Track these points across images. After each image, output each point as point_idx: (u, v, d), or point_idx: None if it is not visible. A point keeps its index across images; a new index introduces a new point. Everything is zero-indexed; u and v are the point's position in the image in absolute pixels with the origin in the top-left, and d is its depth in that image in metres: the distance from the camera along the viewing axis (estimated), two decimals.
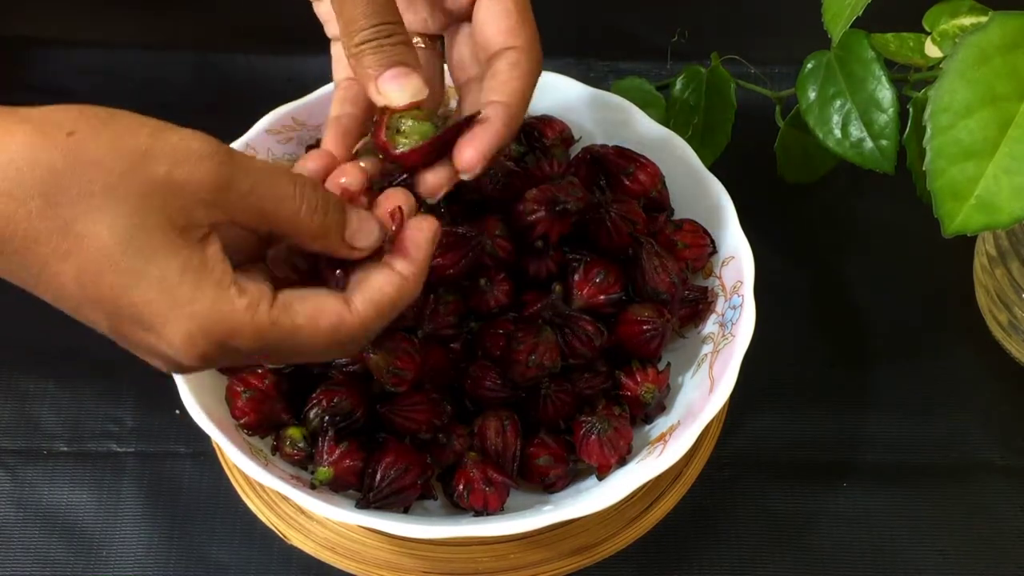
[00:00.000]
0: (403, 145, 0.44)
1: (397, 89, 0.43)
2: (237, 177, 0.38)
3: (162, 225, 0.36)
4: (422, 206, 0.45)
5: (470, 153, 0.44)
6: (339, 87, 0.50)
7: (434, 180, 0.45)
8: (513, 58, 0.45)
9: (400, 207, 0.43)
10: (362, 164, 0.45)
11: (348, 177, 0.44)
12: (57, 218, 0.35)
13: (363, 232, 0.41)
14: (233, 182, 0.37)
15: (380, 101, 0.44)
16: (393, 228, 0.42)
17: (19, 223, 0.35)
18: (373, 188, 0.45)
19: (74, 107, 0.37)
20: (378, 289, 0.41)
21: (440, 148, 0.44)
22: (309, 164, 0.45)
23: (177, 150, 0.37)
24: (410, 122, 0.44)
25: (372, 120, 0.47)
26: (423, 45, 0.50)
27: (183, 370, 0.39)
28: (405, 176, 0.46)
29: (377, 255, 0.42)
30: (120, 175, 0.36)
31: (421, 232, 0.43)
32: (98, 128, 0.36)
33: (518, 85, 0.45)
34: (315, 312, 0.39)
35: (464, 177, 0.44)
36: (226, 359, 0.39)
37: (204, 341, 0.37)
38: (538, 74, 0.46)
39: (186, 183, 0.36)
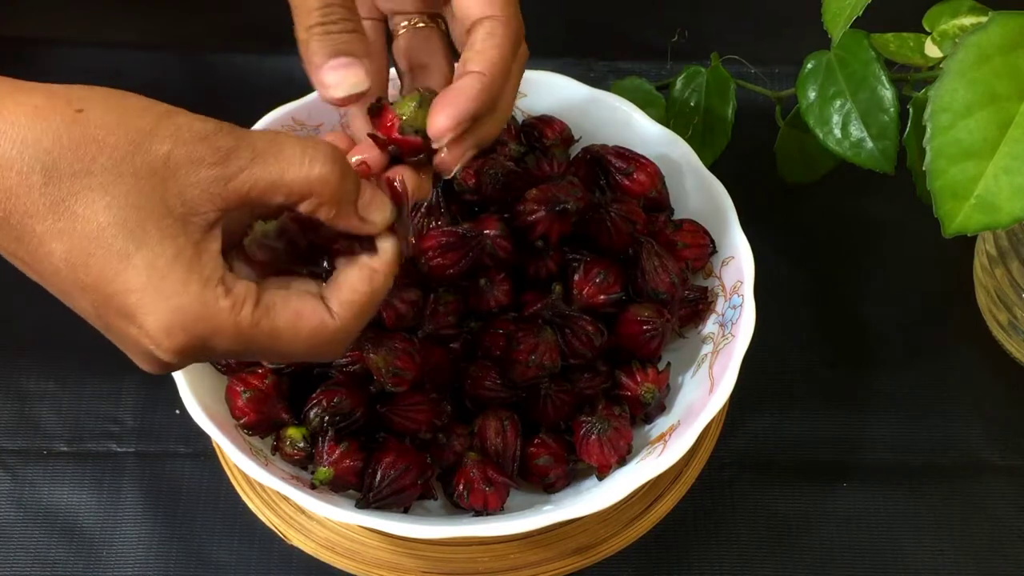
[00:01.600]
0: (404, 131, 0.43)
1: (337, 81, 0.42)
2: (240, 147, 0.37)
3: (159, 210, 0.36)
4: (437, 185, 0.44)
5: (441, 119, 0.42)
6: None
7: (448, 155, 0.44)
8: (489, 27, 0.44)
9: (397, 178, 0.42)
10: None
11: (367, 154, 0.43)
12: (54, 194, 0.35)
13: (376, 205, 0.41)
14: (236, 151, 0.37)
15: (321, 93, 0.43)
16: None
17: (20, 197, 0.35)
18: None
19: (87, 86, 0.37)
20: (351, 289, 0.40)
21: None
22: (328, 139, 0.44)
23: (181, 129, 0.37)
24: (412, 105, 0.43)
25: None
26: (422, 24, 0.48)
27: (162, 367, 0.39)
28: (421, 156, 0.45)
29: (348, 250, 0.41)
30: (123, 154, 0.36)
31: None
32: (108, 107, 0.36)
33: (494, 54, 0.43)
34: (296, 316, 0.39)
35: (435, 146, 0.43)
36: (204, 356, 0.39)
37: (183, 335, 0.37)
38: (518, 44, 0.45)
39: (187, 162, 0.36)
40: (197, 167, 0.37)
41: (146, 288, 0.36)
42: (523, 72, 0.46)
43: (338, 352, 0.42)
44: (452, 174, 0.45)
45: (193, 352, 0.38)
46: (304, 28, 0.43)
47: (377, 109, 0.44)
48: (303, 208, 0.39)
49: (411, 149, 0.43)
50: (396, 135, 0.43)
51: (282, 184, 0.38)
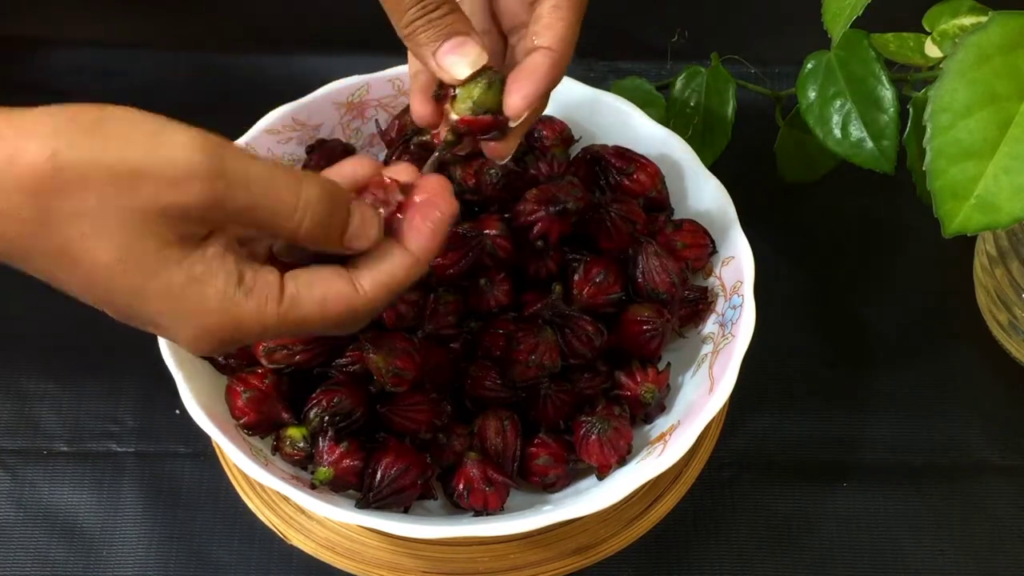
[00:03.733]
0: (465, 111, 0.44)
1: (457, 61, 0.43)
2: (231, 195, 0.36)
3: (156, 244, 0.36)
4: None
5: (516, 99, 0.44)
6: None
7: (500, 144, 0.46)
8: (555, 1, 0.45)
9: (398, 181, 0.42)
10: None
11: (402, 177, 0.43)
12: (53, 239, 0.35)
13: (362, 235, 0.40)
14: (226, 200, 0.36)
15: (444, 77, 0.44)
16: (399, 202, 0.42)
17: (21, 240, 0.35)
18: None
19: (54, 116, 0.35)
20: (389, 272, 0.40)
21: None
22: (350, 165, 0.44)
23: (166, 170, 0.35)
24: (482, 85, 0.44)
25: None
26: None
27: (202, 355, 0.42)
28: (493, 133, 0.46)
29: (389, 232, 0.41)
30: (108, 198, 0.35)
31: (438, 212, 0.42)
32: (81, 144, 0.35)
33: (561, 28, 0.44)
34: (323, 299, 0.39)
35: (512, 124, 0.45)
36: (235, 348, 0.41)
37: (211, 339, 0.38)
38: (582, 15, 0.46)
39: (175, 205, 0.35)
40: (187, 211, 0.36)
41: (166, 309, 0.37)
42: None
43: (363, 325, 0.42)
44: (505, 160, 0.47)
45: (224, 348, 0.39)
46: (405, 24, 0.43)
47: (441, 95, 0.45)
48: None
49: (483, 128, 0.45)
50: (469, 117, 0.44)
51: (271, 229, 0.39)
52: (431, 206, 0.42)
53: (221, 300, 0.37)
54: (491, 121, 0.44)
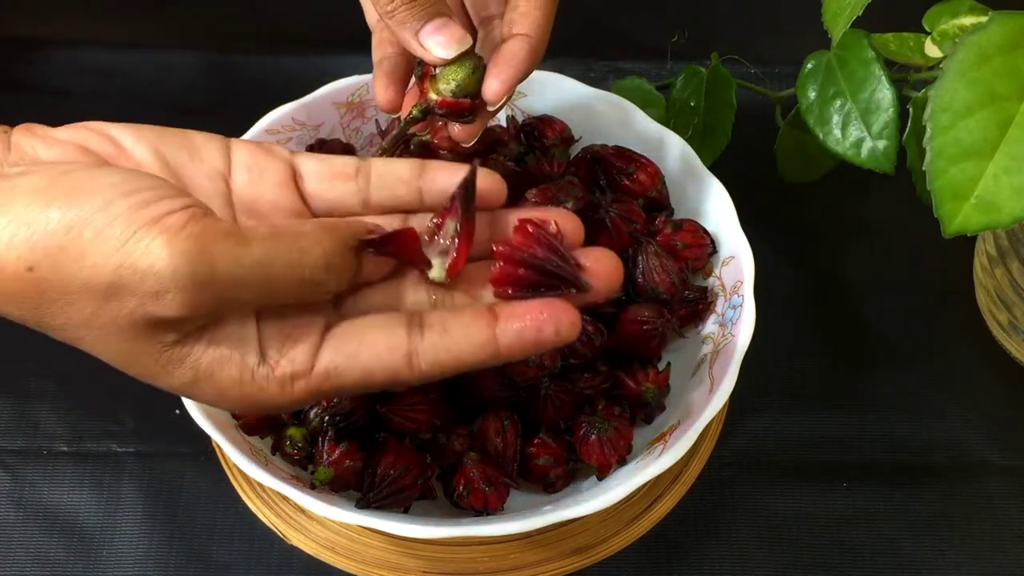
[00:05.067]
0: (447, 93, 0.45)
1: (441, 43, 0.43)
2: (226, 295, 0.34)
3: (157, 348, 0.34)
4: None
5: (496, 84, 0.44)
6: (375, 32, 0.50)
7: (468, 127, 0.46)
8: None
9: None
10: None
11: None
12: (59, 334, 0.35)
13: (378, 272, 0.38)
14: (221, 302, 0.34)
15: (428, 57, 0.44)
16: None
17: (35, 320, 0.35)
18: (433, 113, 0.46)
19: (20, 213, 0.33)
20: (456, 355, 0.36)
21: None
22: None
23: (144, 284, 0.32)
24: (465, 70, 0.45)
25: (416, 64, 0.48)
26: None
27: None
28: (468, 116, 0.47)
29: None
30: (96, 310, 0.33)
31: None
32: (55, 254, 0.33)
33: (539, 16, 0.45)
34: (367, 372, 0.36)
35: (490, 109, 0.46)
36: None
37: (243, 410, 0.38)
38: (557, 4, 0.46)
39: (163, 318, 0.33)
40: (181, 322, 0.34)
41: (189, 395, 0.36)
42: None
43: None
44: (470, 144, 0.47)
45: (261, 412, 0.39)
46: (384, 7, 0.43)
47: (421, 74, 0.46)
48: None
49: (461, 111, 0.46)
50: (449, 99, 0.45)
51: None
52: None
53: (239, 387, 0.35)
54: (469, 104, 0.45)
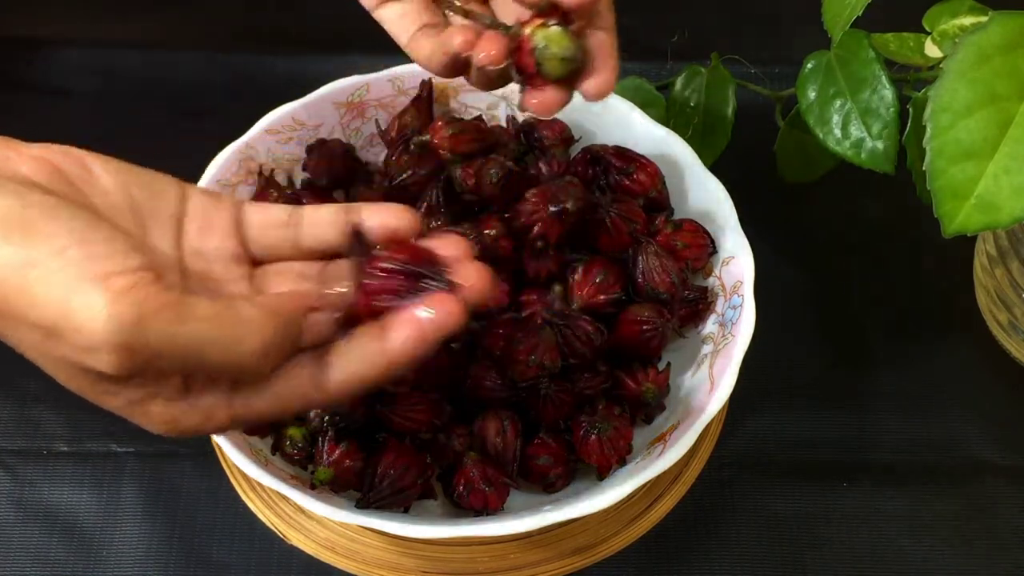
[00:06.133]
0: (552, 68, 0.43)
1: None
2: (154, 362, 0.35)
3: (91, 381, 0.36)
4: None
5: (595, 84, 0.44)
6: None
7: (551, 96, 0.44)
8: None
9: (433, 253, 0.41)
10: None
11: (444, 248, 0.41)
12: (14, 347, 0.37)
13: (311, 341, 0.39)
14: (148, 366, 0.35)
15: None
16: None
17: None
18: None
19: None
20: (359, 374, 0.39)
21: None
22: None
23: (77, 337, 0.34)
24: (554, 41, 0.43)
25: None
26: None
27: None
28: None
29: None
30: (38, 343, 0.35)
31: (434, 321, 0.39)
32: (6, 289, 0.34)
33: (607, 9, 0.45)
34: (277, 398, 0.38)
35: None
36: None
37: (174, 435, 0.38)
38: None
39: (93, 368, 0.35)
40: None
41: (127, 417, 0.38)
42: None
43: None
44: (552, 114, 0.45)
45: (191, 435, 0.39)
46: None
47: (517, 41, 0.43)
48: None
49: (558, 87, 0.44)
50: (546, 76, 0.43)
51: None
52: (434, 312, 0.38)
53: (166, 419, 0.37)
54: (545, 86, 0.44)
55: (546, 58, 0.43)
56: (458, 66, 0.47)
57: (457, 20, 0.47)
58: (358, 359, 0.38)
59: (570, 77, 0.44)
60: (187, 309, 0.35)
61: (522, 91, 0.45)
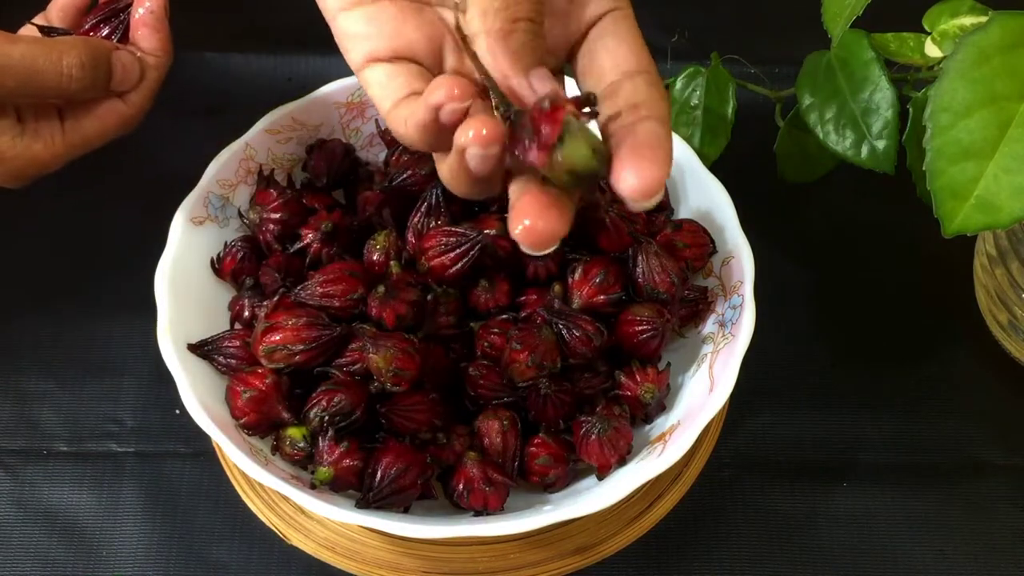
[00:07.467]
0: (557, 177, 0.35)
1: (546, 92, 0.35)
2: None
3: None
4: None
5: (637, 182, 0.36)
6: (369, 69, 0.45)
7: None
8: (650, 79, 0.41)
9: None
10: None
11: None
12: None
13: (125, 80, 0.53)
14: None
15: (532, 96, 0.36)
16: None
17: None
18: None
19: None
20: (148, 86, 0.55)
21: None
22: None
23: None
24: (577, 143, 0.35)
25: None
26: None
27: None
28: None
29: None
30: None
31: (149, 9, 0.57)
32: None
33: (660, 99, 0.39)
34: (100, 117, 0.52)
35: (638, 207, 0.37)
36: (40, 176, 0.53)
37: (19, 175, 0.51)
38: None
39: None
40: None
41: None
42: None
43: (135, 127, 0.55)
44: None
45: (32, 178, 0.52)
46: (507, 18, 0.36)
47: (531, 137, 0.36)
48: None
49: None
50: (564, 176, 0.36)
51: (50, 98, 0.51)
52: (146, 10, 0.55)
53: (13, 148, 0.50)
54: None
55: (555, 163, 0.35)
56: (436, 136, 0.39)
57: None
58: (145, 78, 0.55)
59: (578, 188, 0.36)
60: (16, 38, 0.49)
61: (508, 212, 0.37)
